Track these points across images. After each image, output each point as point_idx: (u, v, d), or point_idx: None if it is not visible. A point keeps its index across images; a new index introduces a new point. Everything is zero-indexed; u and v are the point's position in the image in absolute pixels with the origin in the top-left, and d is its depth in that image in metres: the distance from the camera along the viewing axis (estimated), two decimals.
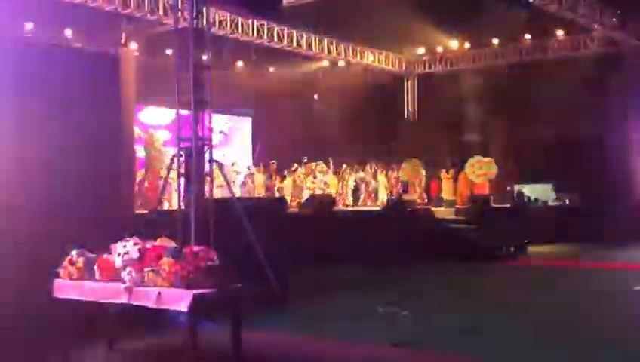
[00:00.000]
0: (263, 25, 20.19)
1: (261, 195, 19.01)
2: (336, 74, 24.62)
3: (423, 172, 23.02)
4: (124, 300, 6.56)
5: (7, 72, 8.03)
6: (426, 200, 22.31)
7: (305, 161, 21.18)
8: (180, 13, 10.44)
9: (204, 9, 10.21)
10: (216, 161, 10.37)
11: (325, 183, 20.90)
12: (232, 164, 19.41)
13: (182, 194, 10.29)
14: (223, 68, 19.66)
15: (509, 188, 22.60)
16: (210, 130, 10.17)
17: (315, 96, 25.18)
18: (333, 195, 20.01)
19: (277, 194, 19.45)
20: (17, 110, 8.01)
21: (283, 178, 20.43)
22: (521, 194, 22.10)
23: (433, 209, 19.48)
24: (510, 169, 22.27)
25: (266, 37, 20.37)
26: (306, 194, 19.55)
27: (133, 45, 18.13)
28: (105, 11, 16.64)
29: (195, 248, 6.67)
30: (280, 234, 11.37)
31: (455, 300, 11.07)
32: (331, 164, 21.58)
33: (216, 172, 10.97)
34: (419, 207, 20.04)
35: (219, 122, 21.45)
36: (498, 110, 23.57)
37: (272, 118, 22.97)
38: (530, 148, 21.89)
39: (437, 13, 20.11)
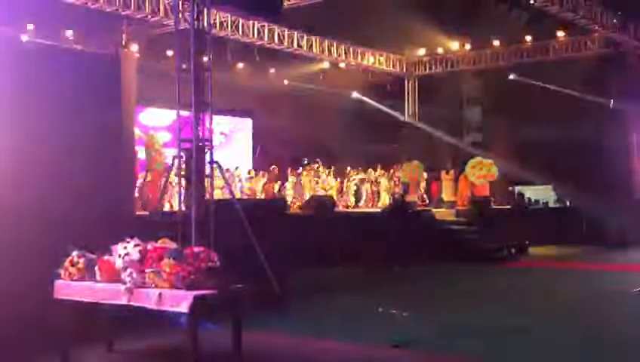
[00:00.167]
0: (264, 26, 20.20)
1: (261, 197, 19.02)
2: (337, 75, 24.65)
3: (424, 173, 23.02)
4: (124, 301, 6.57)
5: (7, 73, 8.03)
6: (427, 202, 22.32)
7: (305, 162, 21.19)
8: (180, 14, 10.43)
9: (205, 10, 10.21)
10: (217, 162, 10.36)
11: (326, 185, 20.92)
12: (236, 168, 19.43)
13: (182, 195, 10.28)
14: (223, 69, 19.68)
15: (509, 189, 22.62)
16: (211, 131, 10.17)
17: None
18: (334, 197, 20.02)
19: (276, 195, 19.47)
20: (17, 111, 8.01)
21: (283, 183, 20.44)
22: (521, 195, 22.12)
23: (434, 210, 19.49)
24: (511, 170, 22.27)
25: (266, 38, 20.39)
26: (306, 196, 19.56)
27: (134, 46, 18.15)
28: (105, 12, 16.65)
29: (196, 249, 6.67)
30: (280, 235, 11.36)
31: (455, 301, 11.08)
32: (332, 168, 21.60)
33: (217, 173, 10.96)
34: (419, 208, 20.04)
35: (219, 123, 21.47)
36: (498, 111, 23.59)
37: (273, 120, 22.98)
38: (530, 149, 21.89)
39: (437, 15, 20.13)
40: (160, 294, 6.35)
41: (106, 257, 6.92)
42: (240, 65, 22.37)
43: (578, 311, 10.22)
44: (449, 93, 25.51)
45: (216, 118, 10.88)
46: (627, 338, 8.30)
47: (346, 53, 23.55)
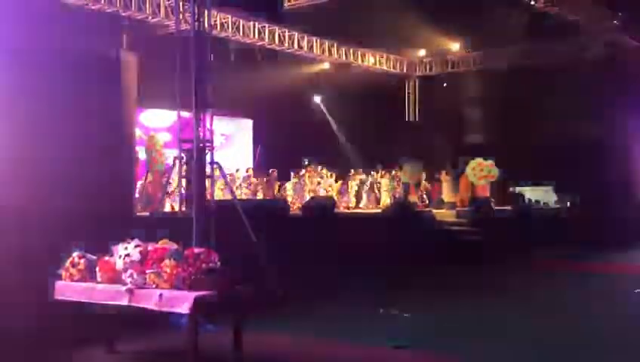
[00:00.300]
0: (264, 27, 20.22)
1: (261, 198, 19.03)
2: (338, 76, 24.65)
3: (424, 174, 23.02)
4: (125, 302, 6.57)
5: (7, 74, 8.04)
6: (427, 202, 22.31)
7: (306, 163, 21.19)
8: (181, 15, 10.45)
9: (206, 11, 10.23)
10: (217, 163, 10.37)
11: (327, 186, 20.92)
12: (237, 171, 19.43)
13: (183, 196, 10.29)
14: (224, 70, 19.69)
15: (510, 190, 22.61)
16: (212, 132, 10.18)
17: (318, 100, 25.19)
18: (335, 198, 20.00)
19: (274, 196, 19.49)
20: (18, 112, 8.02)
21: (282, 184, 20.44)
22: (521, 196, 22.11)
23: (434, 211, 19.49)
24: (511, 171, 22.27)
25: (267, 39, 20.40)
26: (306, 197, 19.56)
27: (135, 48, 18.15)
28: (106, 13, 16.67)
29: (197, 250, 6.68)
30: (281, 235, 11.37)
31: (456, 302, 11.07)
32: (333, 169, 21.60)
33: (217, 173, 10.97)
34: (419, 209, 20.04)
35: (220, 124, 21.47)
36: (499, 112, 23.60)
37: (273, 121, 22.97)
38: (531, 150, 21.90)
39: (438, 16, 20.15)
40: (160, 295, 6.35)
41: (106, 258, 6.92)
42: (240, 66, 22.36)
43: (578, 312, 10.21)
44: (449, 93, 25.53)
45: (216, 119, 10.89)
46: (627, 339, 8.30)
47: (346, 53, 23.57)
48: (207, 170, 10.16)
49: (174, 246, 6.97)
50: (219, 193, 15.33)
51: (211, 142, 10.16)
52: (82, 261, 7.00)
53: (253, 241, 9.93)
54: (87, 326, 7.11)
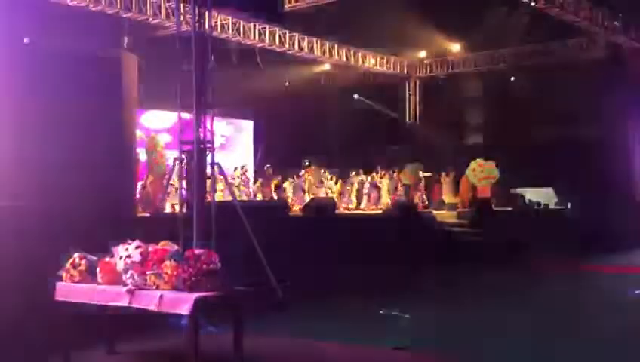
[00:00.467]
0: (265, 28, 20.23)
1: (260, 199, 19.05)
2: (338, 77, 24.68)
3: (424, 175, 23.03)
4: (125, 303, 6.57)
5: (7, 75, 8.05)
6: (426, 203, 22.31)
7: (306, 164, 21.20)
8: (182, 16, 10.46)
9: (206, 13, 10.23)
10: (218, 164, 10.38)
11: (327, 186, 20.93)
12: (235, 169, 19.44)
13: (183, 197, 10.30)
14: (224, 71, 19.70)
15: (510, 191, 22.61)
16: (212, 133, 10.18)
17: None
18: (335, 199, 20.02)
19: (275, 197, 19.49)
20: (18, 112, 8.03)
21: (278, 182, 20.44)
22: (522, 197, 22.10)
23: (435, 212, 19.49)
24: (512, 172, 22.27)
25: (267, 40, 20.42)
26: (306, 198, 19.58)
27: (135, 49, 18.15)
28: (107, 15, 16.68)
29: (197, 251, 6.67)
30: (282, 236, 11.38)
31: (456, 303, 11.08)
32: (334, 170, 21.61)
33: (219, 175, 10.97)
34: (420, 209, 20.05)
35: (220, 125, 21.49)
36: (500, 113, 23.60)
37: (274, 122, 23.00)
38: (531, 151, 21.90)
39: (439, 17, 20.16)
40: (161, 296, 6.35)
41: (107, 259, 6.92)
42: (241, 66, 22.38)
43: (579, 313, 10.22)
44: (450, 94, 25.54)
45: (217, 120, 10.90)
46: (628, 340, 8.30)
47: (347, 55, 23.58)
48: (208, 171, 10.17)
49: (175, 247, 6.98)
50: (219, 194, 15.33)
51: (212, 143, 10.16)
52: (83, 262, 7.00)
53: (253, 242, 9.93)
54: (87, 327, 7.11)
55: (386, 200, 22.03)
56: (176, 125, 10.51)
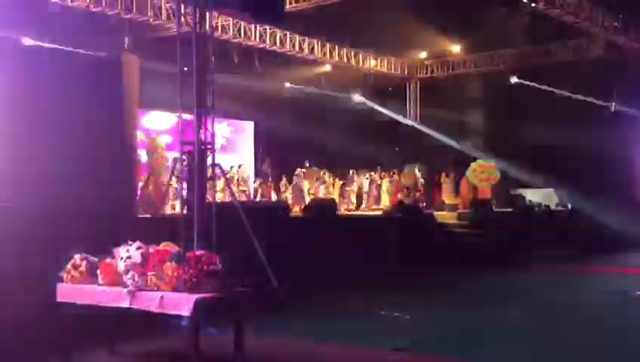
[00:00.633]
0: (266, 29, 20.23)
1: (259, 200, 19.05)
2: (339, 78, 24.68)
3: (424, 176, 23.03)
4: (126, 304, 6.58)
5: (9, 76, 8.06)
6: (425, 204, 22.30)
7: (307, 165, 21.20)
8: (182, 17, 10.45)
9: (207, 14, 10.24)
10: (219, 165, 10.39)
11: (328, 187, 20.93)
12: (231, 168, 19.41)
13: (184, 198, 10.31)
14: (225, 72, 19.70)
15: (511, 192, 22.62)
16: (213, 134, 10.19)
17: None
18: (336, 200, 20.02)
19: (274, 198, 19.49)
20: (19, 114, 8.04)
21: (277, 183, 20.44)
22: (522, 198, 22.11)
23: (435, 213, 19.50)
24: (512, 173, 22.28)
25: (268, 42, 20.42)
26: (306, 199, 19.58)
27: (136, 50, 18.16)
28: (107, 16, 16.68)
29: (198, 252, 6.69)
30: (282, 237, 11.38)
31: (456, 304, 11.08)
32: (334, 171, 21.61)
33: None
34: (420, 210, 20.04)
35: (221, 127, 21.50)
36: (500, 114, 23.60)
37: (275, 122, 22.99)
38: (531, 152, 21.90)
39: (439, 18, 20.16)
40: (162, 297, 6.37)
41: (108, 260, 6.94)
42: (242, 68, 22.38)
43: (579, 314, 10.22)
44: (450, 95, 25.53)
45: (217, 121, 10.91)
46: (629, 341, 8.31)
47: (347, 56, 23.58)
48: (209, 172, 10.18)
49: (175, 248, 6.99)
50: (219, 195, 15.33)
51: (212, 144, 10.17)
52: (84, 263, 7.02)
53: (254, 243, 9.94)
54: (88, 328, 7.12)
55: (385, 200, 22.03)
56: (176, 126, 10.52)
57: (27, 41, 15.40)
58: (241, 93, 21.49)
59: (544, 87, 22.08)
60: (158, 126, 19.90)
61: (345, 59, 23.57)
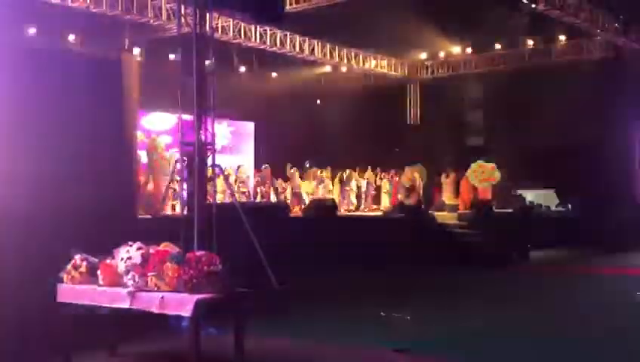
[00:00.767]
0: (266, 30, 20.24)
1: (259, 201, 19.04)
2: (339, 79, 24.69)
3: (425, 176, 23.03)
4: (126, 305, 6.58)
5: (8, 77, 8.05)
6: (423, 206, 22.27)
7: (307, 165, 21.20)
8: (182, 18, 10.45)
9: (207, 15, 10.25)
10: (219, 166, 10.39)
11: (328, 188, 20.93)
12: (239, 168, 19.42)
13: (184, 198, 10.30)
14: (226, 73, 19.71)
15: (511, 192, 22.61)
16: (213, 135, 10.19)
17: (318, 101, 25.22)
18: (336, 200, 20.02)
19: (273, 199, 19.48)
20: (18, 115, 8.03)
21: (274, 183, 20.43)
22: (523, 199, 22.10)
23: (436, 213, 19.50)
24: (512, 174, 22.27)
25: (269, 42, 20.43)
26: (306, 199, 19.58)
27: (136, 50, 18.18)
28: (107, 16, 16.69)
29: (198, 253, 6.68)
30: (282, 238, 11.38)
31: (457, 305, 11.08)
32: (334, 171, 21.60)
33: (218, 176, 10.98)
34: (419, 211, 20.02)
35: (221, 127, 21.48)
36: (500, 115, 23.61)
37: (275, 123, 23.01)
38: (532, 152, 21.91)
39: (440, 19, 20.17)
40: (162, 298, 6.36)
41: (108, 261, 6.93)
42: (242, 68, 22.40)
43: (579, 315, 10.21)
44: (451, 96, 25.55)
45: (217, 122, 10.90)
46: (629, 342, 8.31)
47: (348, 57, 23.59)
48: (209, 172, 10.18)
49: (176, 249, 6.98)
50: (219, 196, 15.33)
51: (213, 144, 10.17)
52: (84, 263, 7.01)
53: (254, 244, 9.93)
54: (88, 329, 7.11)
55: (385, 201, 22.03)
56: (177, 126, 10.52)
57: (27, 41, 15.46)
58: (241, 93, 21.52)
59: (544, 88, 22.07)
60: (158, 127, 19.90)
61: (345, 60, 23.58)
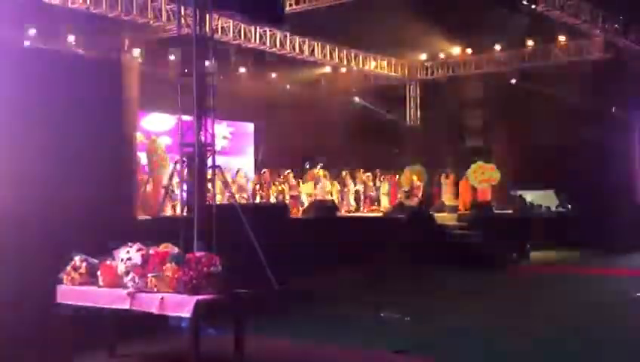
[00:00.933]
0: (266, 31, 20.24)
1: (260, 201, 19.01)
2: (339, 79, 24.70)
3: (425, 177, 23.03)
4: (126, 306, 6.58)
5: (7, 78, 8.05)
6: (424, 206, 22.26)
7: (307, 166, 21.19)
8: (182, 19, 10.46)
9: (207, 15, 10.25)
10: (219, 167, 10.39)
11: (327, 189, 20.90)
12: (237, 172, 19.40)
13: (184, 199, 10.31)
14: (225, 74, 19.72)
15: (511, 193, 22.62)
16: (213, 135, 10.19)
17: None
18: (335, 201, 20.00)
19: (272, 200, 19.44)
20: (18, 116, 8.03)
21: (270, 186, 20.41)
22: (522, 199, 22.11)
23: (435, 214, 19.49)
24: (512, 175, 22.28)
25: (268, 43, 20.43)
26: (305, 200, 19.55)
27: (136, 51, 18.18)
28: (107, 17, 16.68)
29: (198, 254, 6.68)
30: (282, 239, 11.38)
31: (457, 306, 11.08)
32: (334, 172, 21.58)
33: (218, 177, 10.98)
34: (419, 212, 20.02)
35: (221, 128, 21.47)
36: (500, 116, 23.61)
37: (274, 124, 23.01)
38: (532, 153, 21.91)
39: (439, 20, 20.16)
40: (162, 299, 6.36)
41: (108, 262, 6.93)
42: (242, 69, 22.40)
43: (579, 316, 10.21)
44: (450, 97, 25.54)
45: (217, 123, 10.91)
46: (629, 343, 8.31)
47: (347, 57, 23.59)
48: (208, 173, 10.19)
49: (176, 249, 6.98)
50: (219, 197, 15.31)
51: (212, 145, 10.17)
52: (84, 265, 7.01)
53: (254, 245, 9.93)
54: (88, 330, 7.11)
55: (384, 202, 22.02)
56: (176, 127, 10.52)
57: (27, 42, 15.46)
58: (241, 94, 21.51)
59: (544, 89, 22.08)
60: (157, 127, 19.89)
61: (345, 61, 23.58)
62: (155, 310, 6.39)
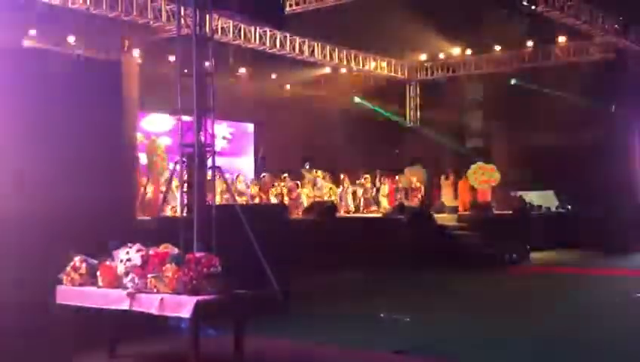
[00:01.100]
0: (266, 32, 20.24)
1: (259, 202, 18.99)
2: (338, 80, 24.68)
3: (424, 178, 23.02)
4: (126, 306, 6.58)
5: (7, 79, 8.05)
6: (424, 207, 22.24)
7: (307, 167, 21.18)
8: (182, 20, 10.44)
9: (207, 16, 10.24)
10: (218, 168, 10.38)
11: (327, 190, 20.89)
12: (237, 176, 19.40)
13: (184, 200, 10.30)
14: (225, 74, 19.70)
15: (511, 194, 22.62)
16: (213, 136, 10.18)
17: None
18: (335, 202, 19.99)
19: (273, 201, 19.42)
20: (18, 117, 8.03)
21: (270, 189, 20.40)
22: (522, 200, 22.11)
23: (435, 215, 19.49)
24: (512, 175, 22.27)
25: (268, 44, 20.42)
26: (304, 201, 19.53)
27: (136, 52, 18.17)
28: (107, 18, 16.67)
29: (198, 254, 6.68)
30: (282, 239, 11.37)
31: (457, 307, 11.08)
32: (333, 173, 21.57)
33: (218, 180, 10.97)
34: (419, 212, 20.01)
35: (221, 128, 21.48)
36: (500, 116, 23.60)
37: (274, 124, 23.01)
38: (531, 154, 21.91)
39: (439, 20, 20.16)
40: (162, 299, 6.36)
41: (107, 262, 6.93)
42: (242, 70, 22.39)
43: (580, 317, 10.21)
44: (450, 98, 25.53)
45: (217, 123, 10.89)
46: (629, 343, 8.30)
47: (347, 58, 23.59)
48: (208, 174, 10.17)
49: (175, 250, 6.98)
50: (219, 198, 15.31)
51: (212, 146, 10.16)
52: (83, 265, 7.01)
53: (253, 245, 9.92)
54: (88, 331, 7.11)
55: (384, 203, 22.00)
56: (176, 128, 10.51)
57: (27, 43, 15.46)
58: (241, 94, 21.51)
59: (544, 89, 22.08)
60: (157, 128, 19.90)
61: (345, 62, 23.57)
62: (154, 310, 6.39)
